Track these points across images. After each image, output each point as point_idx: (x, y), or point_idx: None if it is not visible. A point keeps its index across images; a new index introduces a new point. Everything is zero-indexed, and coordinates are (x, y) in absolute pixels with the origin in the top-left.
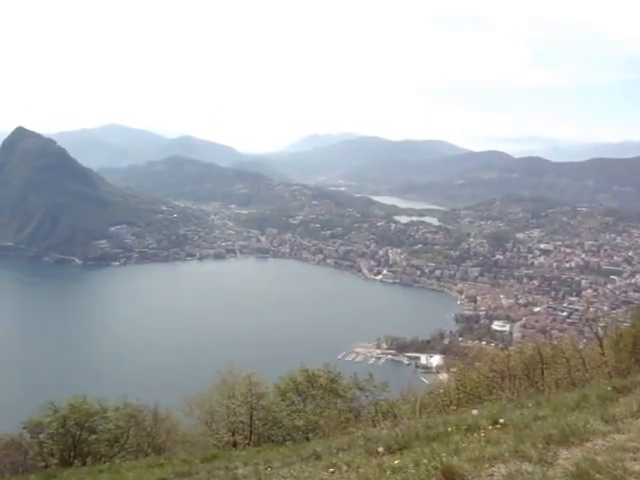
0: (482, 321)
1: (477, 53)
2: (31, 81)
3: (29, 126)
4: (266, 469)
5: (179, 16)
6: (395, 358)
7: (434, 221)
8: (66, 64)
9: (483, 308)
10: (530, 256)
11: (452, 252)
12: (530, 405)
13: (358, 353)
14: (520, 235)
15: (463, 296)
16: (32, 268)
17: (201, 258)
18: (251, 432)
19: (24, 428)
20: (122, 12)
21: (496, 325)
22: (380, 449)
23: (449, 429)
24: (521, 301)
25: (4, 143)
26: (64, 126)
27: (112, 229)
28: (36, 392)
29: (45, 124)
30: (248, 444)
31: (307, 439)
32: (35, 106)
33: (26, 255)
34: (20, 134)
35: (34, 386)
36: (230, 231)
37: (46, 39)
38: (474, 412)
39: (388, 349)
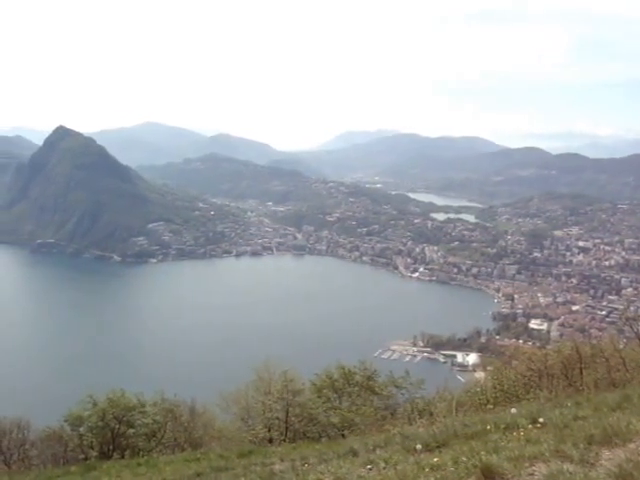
0: (519, 319)
1: (514, 48)
2: (72, 81)
3: (70, 125)
4: (303, 465)
5: (217, 15)
6: (431, 356)
7: (471, 218)
8: (107, 64)
9: (520, 306)
10: (568, 254)
11: (489, 250)
12: (569, 405)
13: (394, 351)
14: (558, 233)
15: (500, 294)
16: (72, 264)
17: (238, 255)
18: (287, 428)
19: (65, 421)
20: (160, 12)
21: (533, 324)
22: (418, 447)
23: (487, 427)
24: (559, 299)
25: (45, 142)
26: (103, 125)
27: (150, 226)
28: (76, 386)
29: (85, 123)
30: (284, 440)
31: (343, 436)
32: (76, 106)
33: (67, 251)
34: (61, 133)
35: (74, 380)
36: (267, 228)
37: (87, 40)
38: (513, 411)
39: (424, 347)
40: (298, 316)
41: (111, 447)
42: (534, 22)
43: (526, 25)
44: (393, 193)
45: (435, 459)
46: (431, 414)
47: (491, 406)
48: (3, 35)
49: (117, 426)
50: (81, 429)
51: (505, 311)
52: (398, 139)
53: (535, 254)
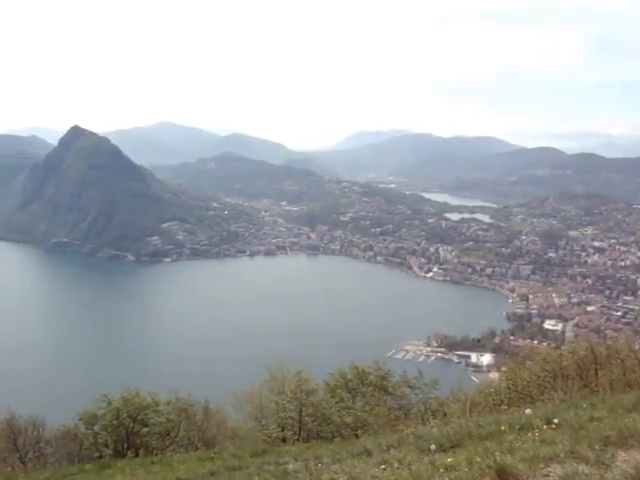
0: (534, 320)
1: (530, 47)
2: (87, 81)
3: (84, 125)
4: (317, 465)
5: (232, 15)
6: (445, 356)
7: (485, 218)
8: (122, 65)
9: (535, 307)
10: (584, 254)
11: (504, 250)
12: (584, 406)
13: (408, 351)
14: (573, 233)
15: (515, 294)
16: (87, 263)
17: (252, 255)
18: (300, 428)
19: (79, 419)
20: (176, 12)
21: (548, 324)
22: (432, 447)
23: (502, 428)
24: (574, 300)
25: (60, 142)
26: (118, 125)
27: (164, 225)
28: (90, 384)
29: (100, 123)
30: (297, 440)
31: (356, 436)
32: (90, 106)
33: (81, 251)
34: (75, 133)
35: (88, 378)
36: (280, 228)
37: (102, 40)
38: (527, 411)
39: (438, 347)
40: (312, 316)
41: (125, 445)
42: (549, 21)
43: (541, 24)
44: (407, 193)
45: (449, 459)
46: (445, 414)
47: (505, 407)
48: (18, 36)
49: (131, 425)
50: (95, 427)
51: (519, 311)
52: (411, 139)
53: (550, 254)
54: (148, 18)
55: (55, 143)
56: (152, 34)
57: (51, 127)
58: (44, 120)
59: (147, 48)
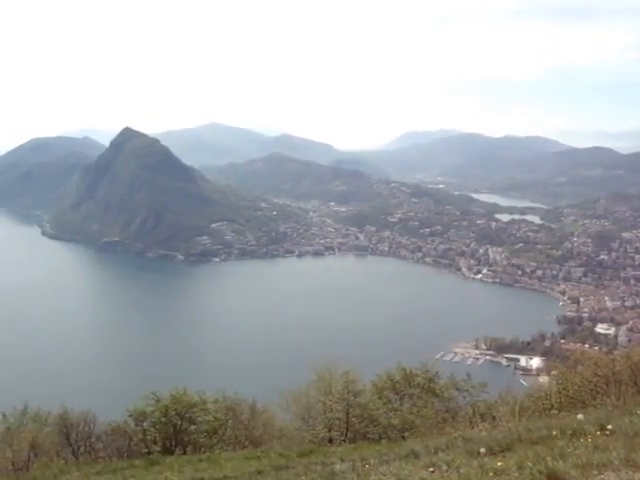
0: (585, 323)
1: (578, 45)
2: (138, 84)
3: (135, 126)
4: (363, 466)
5: (283, 17)
6: (494, 359)
7: (536, 219)
8: (172, 66)
9: (586, 310)
10: (638, 257)
11: (554, 251)
12: (639, 412)
13: (456, 353)
14: (627, 235)
15: (565, 297)
16: (137, 263)
17: (300, 255)
18: (347, 429)
19: (129, 416)
20: (226, 13)
21: (600, 328)
22: (482, 450)
23: (553, 433)
24: (628, 303)
25: (112, 143)
26: (168, 126)
27: (213, 226)
28: (140, 382)
29: (150, 124)
30: (344, 441)
31: (403, 438)
32: (141, 107)
33: (131, 250)
34: (127, 134)
35: (138, 376)
36: (329, 228)
37: (154, 43)
38: (579, 417)
39: (487, 350)
40: (360, 317)
41: (173, 443)
42: (599, 16)
43: (591, 20)
44: (456, 194)
45: (499, 463)
46: (493, 418)
47: (555, 411)
48: (72, 41)
49: (179, 422)
50: (144, 424)
51: (570, 314)
52: (461, 139)
53: (602, 256)
54: (197, 20)
55: (107, 144)
56: (202, 36)
57: (103, 128)
58: (96, 122)
59: (197, 50)
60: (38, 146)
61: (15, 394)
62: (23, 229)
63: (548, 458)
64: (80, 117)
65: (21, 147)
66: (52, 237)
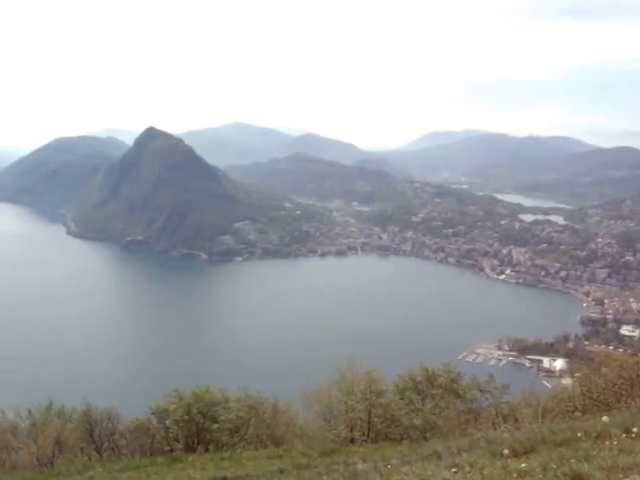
0: (610, 325)
1: (603, 44)
2: (162, 83)
3: (159, 126)
4: (385, 466)
5: (303, 18)
6: (516, 360)
7: (560, 220)
8: (196, 66)
9: (611, 311)
10: None
11: (579, 252)
12: None
13: (479, 354)
14: None
15: (590, 298)
16: (160, 261)
17: (322, 255)
18: (369, 429)
19: (152, 414)
20: (247, 13)
21: (625, 330)
22: (505, 451)
23: (577, 435)
24: None
25: (136, 142)
26: (192, 125)
27: (236, 225)
28: (163, 380)
29: (174, 124)
30: (365, 441)
31: (425, 438)
32: (165, 107)
33: (155, 249)
34: (151, 134)
35: (161, 374)
36: (352, 228)
37: (177, 43)
38: (604, 419)
39: (510, 351)
40: (383, 317)
41: (196, 440)
42: (626, 15)
43: (618, 18)
44: (480, 194)
45: (522, 465)
46: (516, 419)
47: (579, 414)
48: (98, 42)
49: (202, 420)
50: (167, 422)
51: (594, 316)
52: (485, 139)
53: (627, 257)
54: (221, 20)
55: (131, 144)
56: (226, 36)
57: (126, 128)
58: (120, 122)
59: (221, 50)
60: (63, 146)
61: (40, 391)
62: (49, 228)
63: (572, 460)
64: (104, 117)
65: (46, 147)
66: (77, 236)
